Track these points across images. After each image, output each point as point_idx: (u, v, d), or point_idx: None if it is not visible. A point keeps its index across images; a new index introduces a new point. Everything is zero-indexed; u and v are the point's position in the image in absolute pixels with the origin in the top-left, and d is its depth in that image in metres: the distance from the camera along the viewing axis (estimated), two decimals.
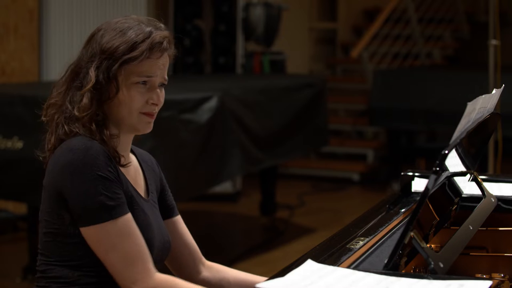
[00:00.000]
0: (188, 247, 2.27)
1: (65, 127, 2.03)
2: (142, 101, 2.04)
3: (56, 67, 6.64)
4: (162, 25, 2.11)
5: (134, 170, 2.14)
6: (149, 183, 2.19)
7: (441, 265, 1.62)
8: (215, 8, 7.59)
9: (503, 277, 1.92)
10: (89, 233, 1.96)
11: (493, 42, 4.65)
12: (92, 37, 2.07)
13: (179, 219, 2.27)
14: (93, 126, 2.00)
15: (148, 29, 2.05)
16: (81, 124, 2.00)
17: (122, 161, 2.04)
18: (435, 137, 8.86)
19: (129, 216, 1.98)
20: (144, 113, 2.05)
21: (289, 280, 1.52)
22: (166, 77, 2.08)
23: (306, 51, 9.82)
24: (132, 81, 2.02)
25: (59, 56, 6.71)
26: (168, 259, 2.21)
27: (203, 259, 2.31)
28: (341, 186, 8.22)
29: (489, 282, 1.48)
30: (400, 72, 8.54)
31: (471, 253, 2.05)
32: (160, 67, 2.05)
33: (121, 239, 1.95)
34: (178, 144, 4.46)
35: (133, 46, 2.01)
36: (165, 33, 2.07)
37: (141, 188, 2.14)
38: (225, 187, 7.13)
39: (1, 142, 4.43)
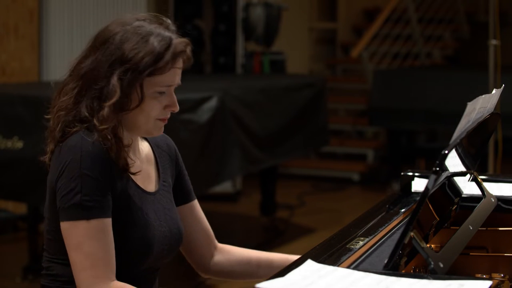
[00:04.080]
0: (203, 232, 2.27)
1: (67, 129, 2.00)
2: (160, 108, 2.03)
3: (56, 67, 6.64)
4: (169, 22, 2.09)
5: (144, 161, 2.13)
6: (161, 171, 2.17)
7: (441, 265, 1.62)
8: (215, 8, 7.60)
9: (503, 277, 1.92)
10: (62, 227, 1.97)
11: (493, 42, 4.65)
12: (108, 39, 2.00)
13: (195, 204, 2.27)
14: (111, 137, 1.97)
15: (167, 34, 2.02)
16: (99, 134, 1.97)
17: (132, 169, 2.03)
18: (435, 137, 8.86)
19: (105, 221, 1.96)
20: (160, 119, 2.05)
21: (289, 280, 1.52)
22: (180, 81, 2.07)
23: (306, 51, 9.82)
24: (153, 91, 2.01)
25: (59, 56, 6.71)
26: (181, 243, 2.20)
27: (216, 242, 2.31)
28: (341, 186, 8.22)
29: (489, 282, 1.48)
30: (400, 72, 8.54)
31: (471, 253, 2.05)
32: (178, 73, 2.05)
33: (88, 240, 1.94)
34: (178, 144, 4.44)
35: (158, 57, 1.98)
36: (184, 39, 2.05)
37: (151, 180, 2.13)
38: (225, 187, 7.13)
39: (1, 142, 4.43)
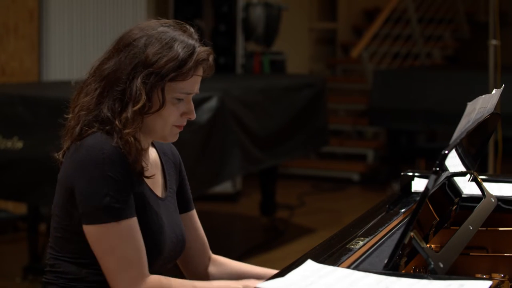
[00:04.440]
0: (199, 242, 2.29)
1: (85, 128, 2.01)
2: (177, 115, 2.06)
3: (56, 67, 6.64)
4: (192, 30, 2.09)
5: (153, 167, 2.14)
6: (168, 178, 2.19)
7: (441, 265, 1.62)
8: (215, 8, 7.60)
9: (503, 277, 1.92)
10: (90, 231, 1.96)
11: (493, 42, 4.65)
12: (132, 42, 2.03)
13: (194, 213, 2.29)
14: (132, 140, 1.99)
15: (191, 41, 2.04)
16: (121, 137, 1.98)
17: (146, 173, 2.04)
18: (435, 137, 8.86)
19: (133, 220, 1.98)
20: (176, 126, 2.07)
21: (289, 280, 1.52)
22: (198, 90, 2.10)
23: (306, 51, 9.82)
24: (173, 97, 2.03)
25: (59, 56, 6.70)
26: None
27: (210, 253, 2.33)
28: (341, 186, 8.22)
29: (489, 282, 1.48)
30: (400, 72, 8.54)
31: (471, 253, 2.05)
32: (198, 82, 2.07)
33: (120, 242, 1.95)
34: (178, 144, 4.45)
35: (181, 63, 2.00)
36: (207, 48, 2.07)
37: (158, 186, 2.15)
38: (225, 187, 7.13)
39: (1, 142, 4.43)
